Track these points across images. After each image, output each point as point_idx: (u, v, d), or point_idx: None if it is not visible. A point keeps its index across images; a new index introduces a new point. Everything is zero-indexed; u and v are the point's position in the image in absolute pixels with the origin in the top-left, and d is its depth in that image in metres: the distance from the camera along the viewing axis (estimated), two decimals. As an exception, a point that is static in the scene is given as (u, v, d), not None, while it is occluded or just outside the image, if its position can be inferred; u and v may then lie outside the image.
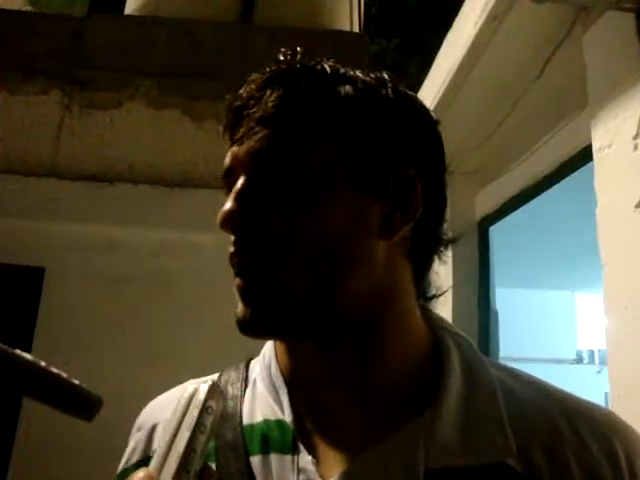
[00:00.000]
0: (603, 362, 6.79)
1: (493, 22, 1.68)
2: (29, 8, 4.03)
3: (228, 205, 0.62)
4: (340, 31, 3.66)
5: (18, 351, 0.45)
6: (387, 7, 7.66)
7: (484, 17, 1.69)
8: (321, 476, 0.60)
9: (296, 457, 0.61)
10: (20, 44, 3.14)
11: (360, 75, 0.66)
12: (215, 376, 0.75)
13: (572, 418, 0.64)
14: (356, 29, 4.15)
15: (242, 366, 0.75)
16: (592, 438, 0.62)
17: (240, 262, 0.62)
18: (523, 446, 0.60)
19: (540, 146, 2.04)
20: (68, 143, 2.99)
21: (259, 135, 0.62)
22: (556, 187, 2.14)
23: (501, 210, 2.53)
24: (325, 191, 0.62)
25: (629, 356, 1.28)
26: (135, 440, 0.73)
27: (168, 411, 0.69)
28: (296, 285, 0.61)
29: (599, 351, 7.19)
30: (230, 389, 0.70)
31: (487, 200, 2.57)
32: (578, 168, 1.90)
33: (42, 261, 2.78)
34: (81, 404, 0.46)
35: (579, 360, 7.40)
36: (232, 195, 0.63)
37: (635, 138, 1.28)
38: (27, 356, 0.45)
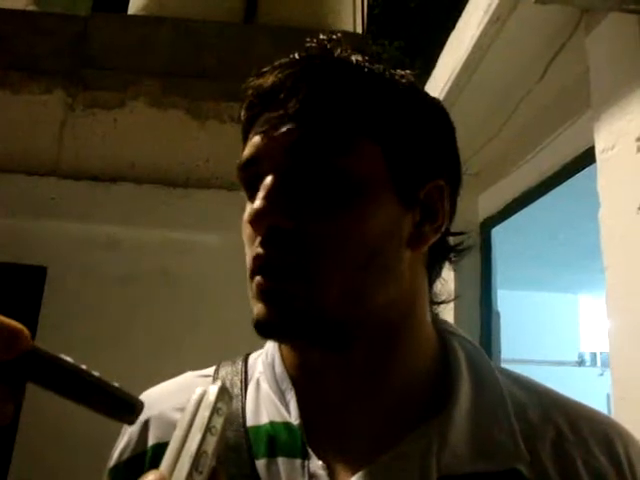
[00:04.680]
0: (605, 364, 6.78)
1: (496, 23, 1.67)
2: (33, 7, 4.03)
3: (260, 202, 0.58)
4: (343, 32, 3.66)
5: (62, 355, 0.46)
6: (390, 8, 7.66)
7: (487, 18, 1.68)
8: None
9: (306, 462, 0.59)
10: (24, 43, 3.15)
11: (394, 74, 0.64)
12: (211, 371, 0.73)
13: (575, 422, 0.64)
14: (359, 30, 4.15)
15: (240, 362, 0.73)
16: (595, 441, 0.62)
17: (269, 263, 0.59)
18: (532, 451, 0.60)
19: (543, 148, 2.03)
20: (71, 142, 3.00)
21: (296, 130, 0.59)
22: (559, 189, 2.13)
23: (504, 212, 2.53)
24: (367, 195, 0.60)
25: (631, 358, 1.28)
26: (128, 435, 0.70)
27: (160, 407, 0.69)
28: (329, 292, 0.58)
29: (601, 354, 7.19)
30: (229, 386, 0.68)
31: (490, 202, 2.57)
32: (581, 170, 1.89)
33: (44, 260, 2.79)
34: (124, 408, 0.47)
35: (581, 362, 7.40)
36: (264, 191, 0.59)
37: (638, 140, 1.27)
38: (70, 360, 0.46)
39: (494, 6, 1.64)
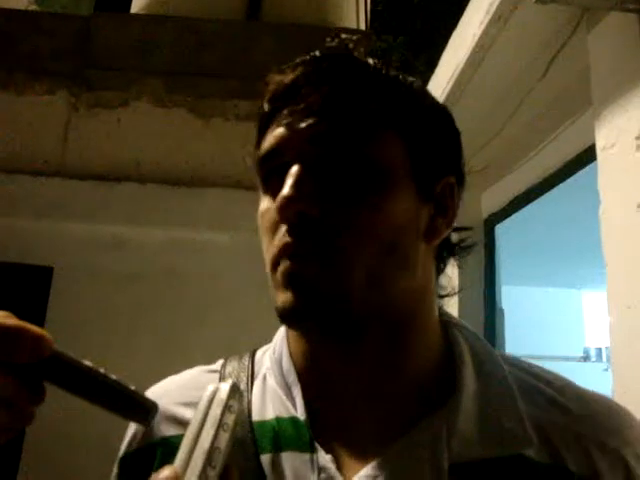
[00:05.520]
0: (610, 360, 6.75)
1: (498, 22, 1.68)
2: (35, 7, 4.04)
3: (288, 190, 0.59)
4: (346, 28, 3.66)
5: (81, 359, 0.48)
6: (393, 4, 7.65)
7: (489, 17, 1.69)
8: (341, 474, 0.59)
9: (315, 455, 0.60)
10: (26, 44, 3.17)
11: (407, 79, 0.67)
12: (217, 366, 0.74)
13: (587, 406, 0.66)
14: (362, 26, 4.15)
15: (247, 357, 0.74)
16: (609, 424, 0.64)
17: (297, 251, 0.59)
18: (545, 436, 0.61)
19: (546, 145, 2.04)
20: (75, 143, 3.01)
21: (322, 122, 0.60)
22: (562, 185, 2.14)
23: (507, 209, 2.54)
24: (390, 187, 0.61)
25: (632, 355, 1.29)
26: (135, 427, 0.72)
27: (168, 401, 0.70)
28: (354, 277, 0.59)
29: (606, 349, 7.16)
30: (235, 382, 0.69)
31: (493, 198, 2.58)
32: (583, 167, 1.90)
33: (50, 260, 2.81)
34: (140, 410, 0.49)
35: (586, 358, 7.37)
36: (292, 179, 0.59)
37: (638, 138, 1.28)
38: (89, 364, 0.48)
39: (495, 5, 1.65)
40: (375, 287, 0.60)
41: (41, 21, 3.31)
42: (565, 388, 0.68)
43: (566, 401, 0.65)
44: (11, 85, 3.06)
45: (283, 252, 0.60)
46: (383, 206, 0.60)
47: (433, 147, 0.65)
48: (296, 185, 0.59)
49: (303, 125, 0.61)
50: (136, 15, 3.64)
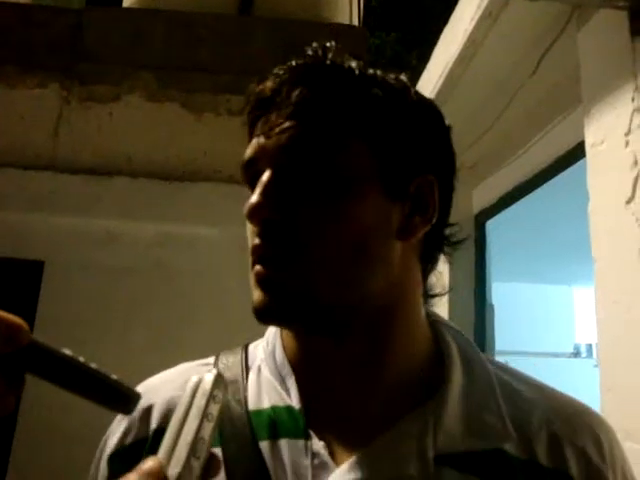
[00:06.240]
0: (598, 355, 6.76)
1: (488, 18, 1.69)
2: (27, 0, 4.02)
3: (256, 197, 0.62)
4: (339, 24, 3.66)
5: (61, 348, 0.47)
6: None
7: (480, 13, 1.70)
8: (333, 461, 0.61)
9: (309, 442, 0.62)
10: (19, 36, 3.15)
11: (386, 77, 0.68)
12: (211, 359, 0.76)
13: (561, 408, 0.69)
14: (355, 22, 4.15)
15: (240, 350, 0.76)
16: (582, 430, 0.67)
17: (265, 254, 0.63)
18: (522, 434, 0.64)
19: (536, 141, 2.05)
20: (67, 136, 3.00)
21: (290, 130, 0.63)
22: (553, 181, 2.15)
23: (498, 205, 2.55)
24: (355, 191, 0.63)
25: (619, 350, 1.30)
26: (128, 421, 0.72)
27: (162, 393, 0.71)
28: (319, 281, 0.62)
29: (597, 345, 7.16)
30: (230, 374, 0.71)
31: (484, 194, 2.59)
32: (573, 163, 1.91)
33: (41, 254, 2.80)
34: (120, 399, 0.48)
35: (577, 354, 7.40)
36: (260, 187, 0.63)
37: (627, 135, 1.29)
38: (68, 352, 0.47)
39: (486, 1, 1.65)
40: (343, 286, 0.63)
41: (33, 14, 3.29)
42: (544, 391, 0.71)
43: (543, 403, 0.68)
44: (3, 78, 3.04)
45: (255, 255, 0.64)
46: (346, 209, 0.63)
47: (402, 149, 0.66)
48: (262, 193, 0.62)
49: (274, 133, 0.64)
50: (129, 9, 3.63)
